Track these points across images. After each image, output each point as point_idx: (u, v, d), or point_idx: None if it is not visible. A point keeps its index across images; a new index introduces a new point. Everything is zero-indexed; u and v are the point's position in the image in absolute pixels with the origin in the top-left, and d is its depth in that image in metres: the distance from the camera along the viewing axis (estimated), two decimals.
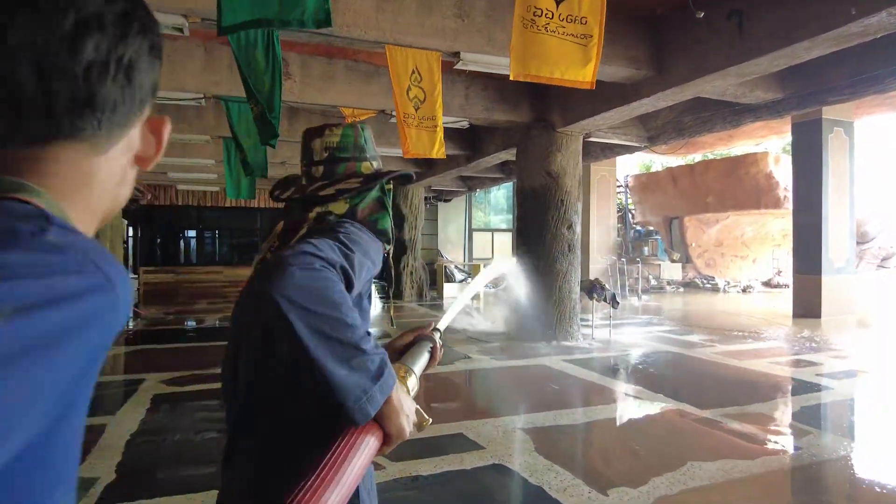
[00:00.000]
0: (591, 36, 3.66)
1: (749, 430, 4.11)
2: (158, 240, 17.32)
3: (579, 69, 3.76)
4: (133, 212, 15.91)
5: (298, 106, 8.27)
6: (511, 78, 3.92)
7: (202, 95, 6.73)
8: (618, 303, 8.04)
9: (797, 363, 6.42)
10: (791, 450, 3.78)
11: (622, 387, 5.48)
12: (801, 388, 5.37)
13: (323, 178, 1.22)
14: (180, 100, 6.99)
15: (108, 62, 0.51)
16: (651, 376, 5.92)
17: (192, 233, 17.73)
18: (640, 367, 6.44)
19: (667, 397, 4.94)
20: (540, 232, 7.66)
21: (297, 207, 1.22)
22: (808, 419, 4.43)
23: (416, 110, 5.11)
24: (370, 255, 1.08)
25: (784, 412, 4.57)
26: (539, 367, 6.25)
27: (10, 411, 0.39)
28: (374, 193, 1.23)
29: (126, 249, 16.33)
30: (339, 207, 1.19)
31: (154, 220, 16.70)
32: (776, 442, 3.89)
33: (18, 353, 0.39)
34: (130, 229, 17.25)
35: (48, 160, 0.51)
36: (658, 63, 5.93)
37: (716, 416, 4.42)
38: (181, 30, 4.38)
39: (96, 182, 0.54)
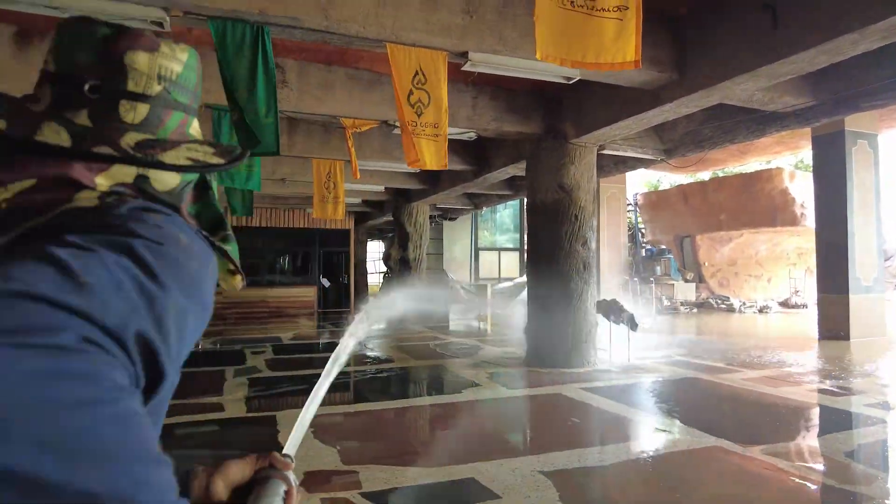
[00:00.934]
0: (627, 7, 3.21)
1: (805, 473, 3.57)
2: None
3: (618, 49, 3.30)
4: None
5: (297, 116, 7.86)
6: (538, 57, 3.46)
7: None
8: (637, 325, 7.51)
9: (838, 391, 5.86)
10: (864, 502, 3.23)
11: (650, 419, 4.93)
12: (851, 420, 4.82)
13: (141, 127, 0.64)
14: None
15: None
16: (680, 407, 5.38)
17: None
18: (666, 396, 5.89)
19: (702, 432, 4.39)
20: (552, 249, 7.17)
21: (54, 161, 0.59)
22: (871, 459, 3.88)
23: (419, 116, 4.67)
24: (202, 287, 0.59)
25: (839, 450, 4.02)
26: (556, 396, 5.71)
27: None
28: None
29: None
30: (167, 179, 0.65)
31: None
32: (843, 488, 3.35)
33: None
34: None
35: None
36: (681, 65, 5.50)
37: (762, 454, 3.87)
38: (161, 24, 3.96)
39: None
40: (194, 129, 0.71)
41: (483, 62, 4.86)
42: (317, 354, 9.07)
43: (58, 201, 0.55)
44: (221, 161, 0.67)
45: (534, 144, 7.67)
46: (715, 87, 5.31)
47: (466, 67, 4.91)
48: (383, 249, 24.86)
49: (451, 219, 18.71)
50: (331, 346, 9.93)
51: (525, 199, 16.75)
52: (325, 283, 18.27)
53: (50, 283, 0.43)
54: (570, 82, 5.70)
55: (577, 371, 6.88)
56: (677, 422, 4.70)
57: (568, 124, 7.28)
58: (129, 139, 0.62)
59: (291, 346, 9.78)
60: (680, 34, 5.47)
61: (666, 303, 16.79)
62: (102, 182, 0.60)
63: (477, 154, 9.90)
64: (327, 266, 18.72)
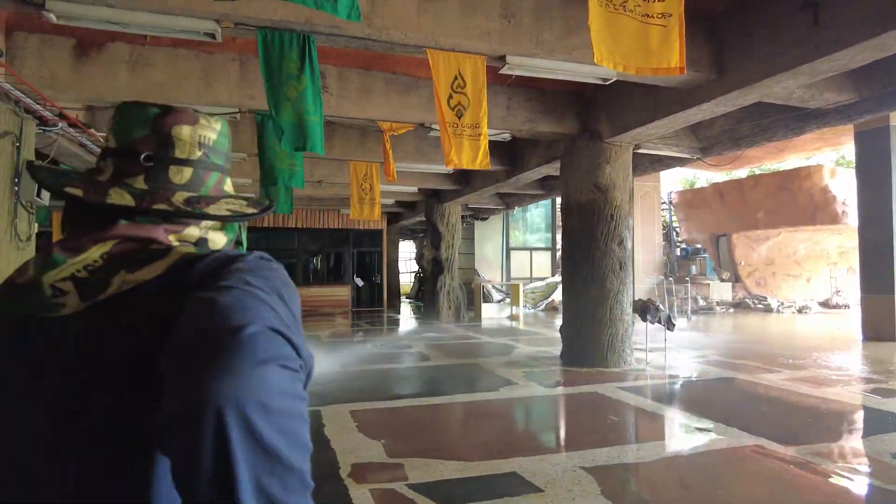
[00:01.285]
0: (671, 14, 3.26)
1: (849, 473, 3.56)
2: None
3: (663, 55, 3.36)
4: None
5: (335, 120, 8.05)
6: (596, 62, 3.53)
7: (237, 110, 6.57)
8: (674, 325, 7.48)
9: (884, 393, 5.76)
10: None
11: (688, 418, 4.95)
12: None
13: (187, 187, 0.78)
14: (215, 115, 6.83)
15: None
16: (718, 406, 5.36)
17: None
18: (704, 395, 5.88)
19: (741, 431, 4.39)
20: (588, 249, 7.20)
21: (135, 221, 0.73)
22: None
23: (460, 118, 4.78)
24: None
25: (885, 451, 3.98)
26: (593, 394, 5.75)
27: None
28: (236, 226, 0.86)
29: None
30: (218, 238, 0.80)
31: None
32: (889, 489, 3.34)
33: None
34: None
35: None
36: (719, 65, 5.49)
37: (804, 454, 3.87)
38: (214, 36, 4.16)
39: None
40: (228, 186, 0.85)
41: (520, 65, 4.94)
42: (353, 352, 9.26)
43: (150, 253, 0.69)
44: (255, 211, 0.80)
45: (568, 144, 7.70)
46: (753, 86, 5.29)
47: (504, 71, 5.00)
48: (415, 249, 25.08)
49: (482, 219, 18.78)
50: (365, 344, 10.13)
51: (557, 199, 16.73)
52: (359, 282, 18.54)
53: (274, 320, 0.59)
54: (607, 83, 5.73)
55: (614, 370, 6.90)
56: (716, 421, 4.70)
57: (603, 124, 7.29)
58: (179, 197, 0.76)
59: (329, 344, 10.00)
60: (717, 34, 5.46)
61: (702, 302, 16.56)
62: (175, 241, 0.74)
63: (510, 154, 9.97)
64: (361, 266, 19.00)
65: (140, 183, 0.75)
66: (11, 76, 5.26)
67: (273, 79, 4.19)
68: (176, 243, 0.74)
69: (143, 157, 0.76)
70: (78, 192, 0.72)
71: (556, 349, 8.10)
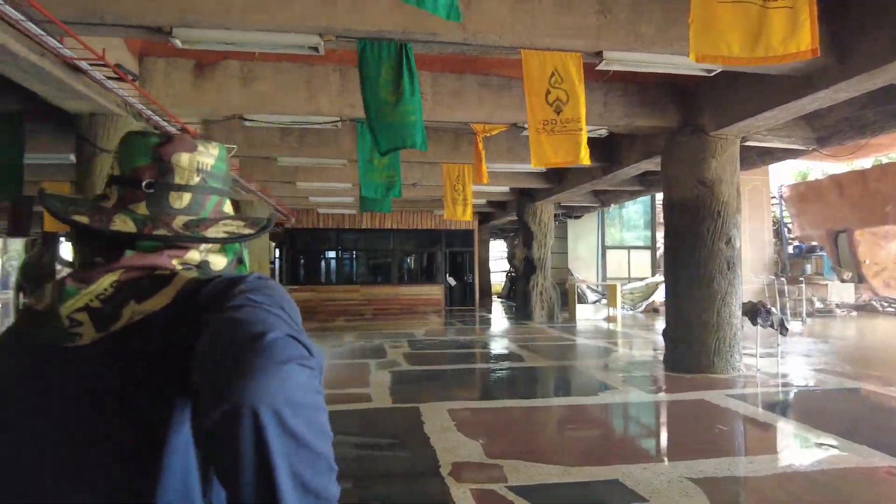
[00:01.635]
0: None
1: None
2: (301, 260, 18.32)
3: (790, 39, 3.14)
4: (278, 234, 17.00)
5: (429, 124, 8.19)
6: (692, 59, 3.39)
7: (338, 118, 6.87)
8: (787, 329, 6.97)
9: None
10: None
11: (805, 431, 4.59)
12: None
13: (186, 211, 0.83)
14: (318, 124, 7.19)
15: None
16: (839, 419, 4.94)
17: (331, 254, 18.56)
18: (822, 406, 5.43)
19: (872, 448, 4.01)
20: (693, 248, 6.87)
21: (139, 249, 0.79)
22: None
23: (559, 114, 4.72)
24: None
25: None
26: (699, 402, 5.48)
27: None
28: (237, 246, 0.89)
29: (273, 270, 17.49)
30: (218, 260, 0.85)
31: (297, 242, 17.70)
32: None
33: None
34: (276, 251, 18.48)
35: None
36: (839, 48, 5.04)
37: None
38: (317, 49, 4.38)
39: None
40: (227, 207, 0.89)
41: (618, 60, 4.81)
42: (449, 350, 9.40)
43: (156, 280, 0.76)
44: (252, 231, 0.84)
45: (668, 139, 7.39)
46: (881, 70, 4.81)
47: (601, 67, 4.88)
48: (506, 248, 25.02)
49: (576, 217, 18.40)
50: (459, 343, 10.24)
51: (658, 194, 16.03)
52: (452, 281, 18.77)
53: (286, 328, 0.65)
54: (711, 74, 5.45)
55: (722, 377, 6.53)
56: (838, 436, 4.33)
57: (706, 116, 6.93)
58: (179, 221, 0.80)
59: (425, 342, 10.21)
60: (837, 15, 5.02)
61: (818, 304, 15.28)
62: (178, 265, 0.79)
63: (606, 150, 9.69)
64: (453, 265, 19.22)
65: (142, 209, 0.80)
66: (143, 97, 5.82)
67: (372, 86, 4.36)
68: (179, 267, 0.79)
69: (144, 184, 0.81)
70: (84, 219, 0.78)
71: (658, 353, 7.80)
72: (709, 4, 3.20)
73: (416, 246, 18.78)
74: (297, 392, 0.60)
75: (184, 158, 0.83)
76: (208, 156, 0.86)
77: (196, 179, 0.84)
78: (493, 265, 23.51)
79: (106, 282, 0.75)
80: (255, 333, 0.62)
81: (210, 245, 0.84)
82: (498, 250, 26.92)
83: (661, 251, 14.58)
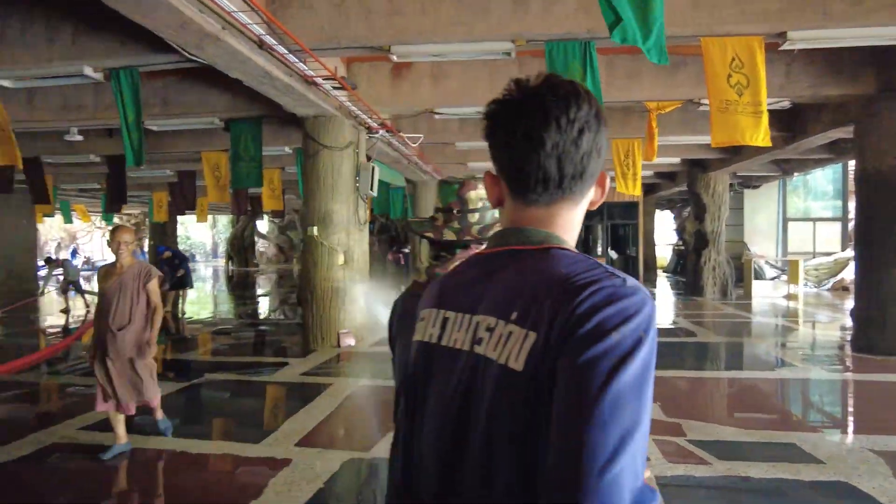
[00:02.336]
0: None
1: None
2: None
3: None
4: None
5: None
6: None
7: None
8: None
9: None
10: None
11: None
12: None
13: (478, 223, 1.42)
14: None
15: (592, 149, 0.78)
16: None
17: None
18: None
19: None
20: (891, 225, 6.46)
21: (448, 247, 1.44)
22: None
23: (740, 96, 4.86)
24: None
25: None
26: (891, 384, 5.33)
27: (648, 408, 0.62)
28: None
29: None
30: None
31: None
32: None
33: (651, 364, 0.63)
34: None
35: (555, 215, 0.81)
36: None
37: None
38: (509, 54, 4.99)
39: (576, 224, 0.84)
40: (497, 214, 1.45)
41: (804, 39, 4.78)
42: None
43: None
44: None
45: (863, 106, 6.92)
46: None
47: (785, 47, 4.89)
48: (674, 221, 24.05)
49: (753, 186, 17.22)
50: None
51: (851, 162, 14.45)
52: (613, 255, 18.68)
53: None
54: None
55: None
56: None
57: None
58: (475, 230, 1.42)
59: None
60: None
61: None
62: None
63: (788, 120, 9.17)
64: (614, 239, 19.08)
65: (456, 225, 1.42)
66: (353, 98, 6.89)
67: None
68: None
69: (455, 211, 1.43)
70: (430, 234, 1.44)
71: (846, 334, 7.45)
72: None
73: None
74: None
75: (472, 194, 1.44)
76: (482, 190, 1.45)
77: (479, 204, 1.45)
78: (658, 238, 22.81)
79: (451, 267, 1.45)
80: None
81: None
82: (664, 222, 25.94)
83: (854, 224, 13.26)
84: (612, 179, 10.88)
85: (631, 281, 0.71)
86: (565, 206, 0.81)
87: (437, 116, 8.31)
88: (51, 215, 17.94)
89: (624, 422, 0.61)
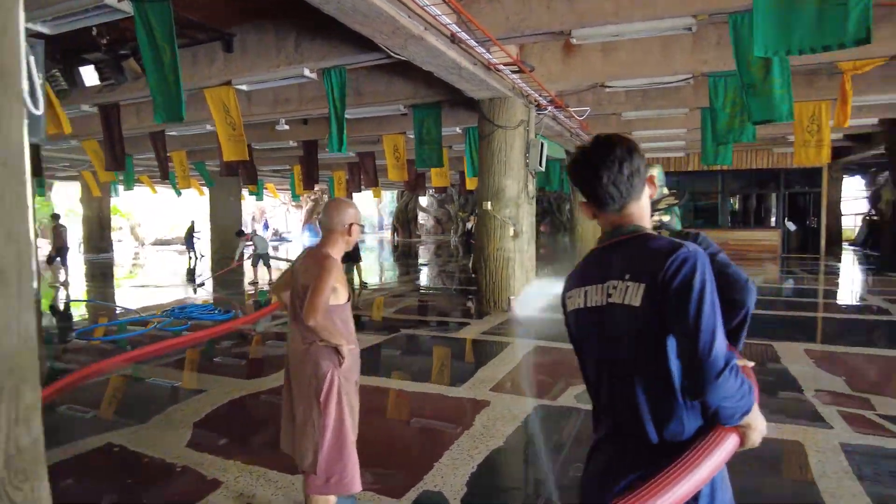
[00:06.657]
0: None
1: None
2: None
3: None
4: None
5: None
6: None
7: (690, 74, 7.33)
8: None
9: None
10: None
11: None
12: None
13: (659, 198, 1.96)
14: (671, 83, 7.69)
15: (632, 171, 1.32)
16: None
17: None
18: None
19: None
20: None
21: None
22: None
23: None
24: None
25: None
26: None
27: (719, 311, 1.19)
28: (676, 209, 2.29)
29: None
30: (665, 218, 2.18)
31: None
32: None
33: (714, 287, 1.20)
34: None
35: (629, 213, 1.35)
36: None
37: None
38: (690, 29, 5.06)
39: (645, 213, 1.37)
40: (665, 191, 2.18)
41: None
42: (793, 299, 9.21)
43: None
44: (677, 201, 2.09)
45: None
46: None
47: None
48: (865, 188, 21.42)
49: None
50: (804, 291, 9.80)
51: None
52: (791, 226, 17.22)
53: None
54: None
55: None
56: None
57: None
58: (662, 203, 2.17)
59: (765, 289, 10.11)
60: None
61: None
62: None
63: None
64: (792, 208, 17.54)
65: (647, 199, 1.57)
66: (527, 78, 7.28)
67: (744, 62, 4.87)
68: (657, 222, 2.02)
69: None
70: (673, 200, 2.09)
71: None
72: None
73: (745, 186, 17.71)
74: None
75: (657, 174, 1.78)
76: (659, 170, 1.95)
77: (659, 185, 1.95)
78: (844, 207, 20.45)
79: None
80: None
81: (662, 210, 2.08)
82: (852, 190, 23.10)
83: None
84: (792, 145, 10.15)
85: (692, 246, 1.23)
86: (632, 206, 1.35)
87: (607, 90, 8.43)
88: (257, 194, 20.37)
89: (715, 315, 1.17)
